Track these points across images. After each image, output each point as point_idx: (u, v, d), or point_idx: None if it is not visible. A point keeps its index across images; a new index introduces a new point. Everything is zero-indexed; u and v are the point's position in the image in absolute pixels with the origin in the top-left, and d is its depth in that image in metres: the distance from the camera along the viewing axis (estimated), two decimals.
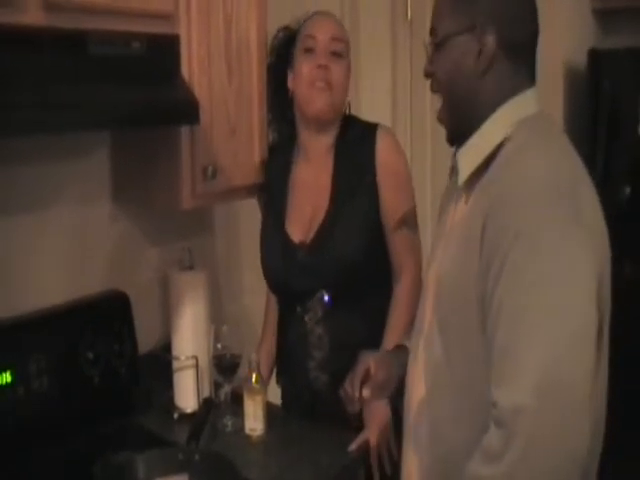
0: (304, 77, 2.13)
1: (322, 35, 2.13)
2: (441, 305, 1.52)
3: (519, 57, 1.52)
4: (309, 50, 2.14)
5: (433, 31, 1.54)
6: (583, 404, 1.29)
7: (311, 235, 2.17)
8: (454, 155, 1.57)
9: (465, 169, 1.51)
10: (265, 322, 2.48)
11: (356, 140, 2.15)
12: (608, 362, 1.49)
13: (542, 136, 1.49)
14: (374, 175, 2.11)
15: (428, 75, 1.58)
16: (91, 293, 2.24)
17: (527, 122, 1.49)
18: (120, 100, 1.76)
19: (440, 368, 1.51)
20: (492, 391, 1.33)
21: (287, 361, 2.29)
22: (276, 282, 2.27)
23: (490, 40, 1.47)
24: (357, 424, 2.08)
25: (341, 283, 2.13)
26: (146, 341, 2.38)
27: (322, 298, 2.14)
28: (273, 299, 2.42)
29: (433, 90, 1.58)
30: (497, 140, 1.47)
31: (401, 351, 1.80)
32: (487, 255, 1.37)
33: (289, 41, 2.22)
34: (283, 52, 2.23)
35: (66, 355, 2.08)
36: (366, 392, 1.74)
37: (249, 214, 2.73)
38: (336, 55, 2.13)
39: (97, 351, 2.14)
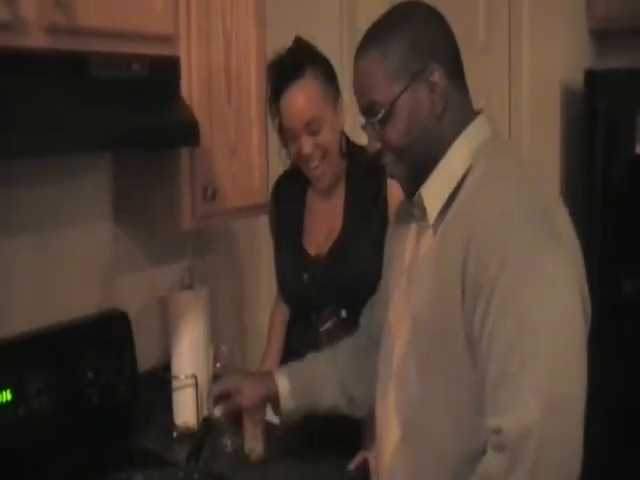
0: (295, 158, 2.19)
1: (298, 124, 2.11)
2: (420, 344, 1.49)
3: (461, 82, 1.52)
4: (292, 139, 2.15)
5: (371, 107, 1.49)
6: (581, 419, 1.31)
7: (326, 249, 2.21)
8: (411, 195, 1.54)
9: (433, 207, 1.49)
10: (268, 346, 2.49)
11: (365, 170, 2.18)
12: (609, 377, 1.52)
13: (504, 161, 1.49)
14: (385, 195, 2.14)
15: (379, 153, 1.53)
16: (91, 312, 2.25)
17: (485, 148, 1.48)
18: (121, 122, 1.78)
19: (417, 407, 1.50)
20: (491, 419, 1.34)
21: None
22: (293, 294, 2.30)
23: (437, 76, 1.45)
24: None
25: (356, 294, 2.15)
26: (146, 360, 2.39)
27: (337, 307, 2.17)
28: (278, 323, 2.44)
29: (387, 162, 1.53)
30: (460, 172, 1.46)
31: (277, 375, 1.88)
32: (472, 289, 1.36)
33: (279, 75, 2.19)
34: (277, 88, 2.19)
35: (66, 374, 2.09)
36: (217, 411, 1.81)
37: (249, 233, 2.75)
38: (317, 132, 2.13)
39: (97, 370, 2.15)
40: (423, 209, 1.51)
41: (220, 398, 1.90)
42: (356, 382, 1.90)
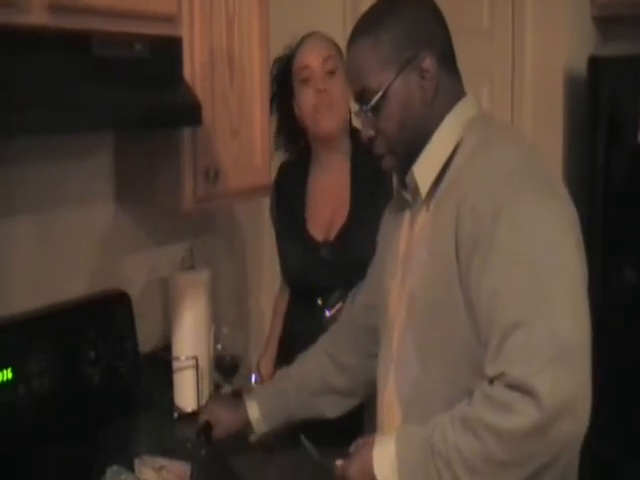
0: (307, 106, 2.22)
1: (315, 61, 2.19)
2: (416, 321, 1.50)
3: (453, 67, 1.55)
4: (306, 80, 2.21)
5: (364, 94, 1.51)
6: (589, 364, 1.28)
7: (333, 235, 2.22)
8: (403, 176, 1.56)
9: (425, 180, 1.50)
10: (271, 332, 2.49)
11: (368, 151, 2.19)
12: (612, 367, 1.47)
13: (497, 130, 1.54)
14: (392, 181, 2.15)
15: (372, 139, 1.55)
16: (93, 292, 2.26)
17: (474, 123, 1.51)
18: (123, 102, 1.78)
19: (417, 386, 1.51)
20: (492, 367, 1.29)
21: (294, 350, 2.30)
22: (298, 279, 2.31)
23: (428, 62, 1.47)
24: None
25: (363, 280, 2.15)
26: (146, 341, 2.39)
27: (345, 292, 2.17)
28: (282, 310, 2.44)
29: (380, 151, 1.55)
30: (451, 146, 1.49)
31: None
32: (468, 245, 1.37)
33: (286, 70, 2.28)
34: (282, 82, 2.29)
35: (67, 354, 2.09)
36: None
37: (251, 215, 2.76)
38: (332, 73, 2.19)
39: (98, 350, 2.15)
40: (416, 187, 1.52)
41: (204, 429, 1.92)
42: (343, 350, 1.91)
